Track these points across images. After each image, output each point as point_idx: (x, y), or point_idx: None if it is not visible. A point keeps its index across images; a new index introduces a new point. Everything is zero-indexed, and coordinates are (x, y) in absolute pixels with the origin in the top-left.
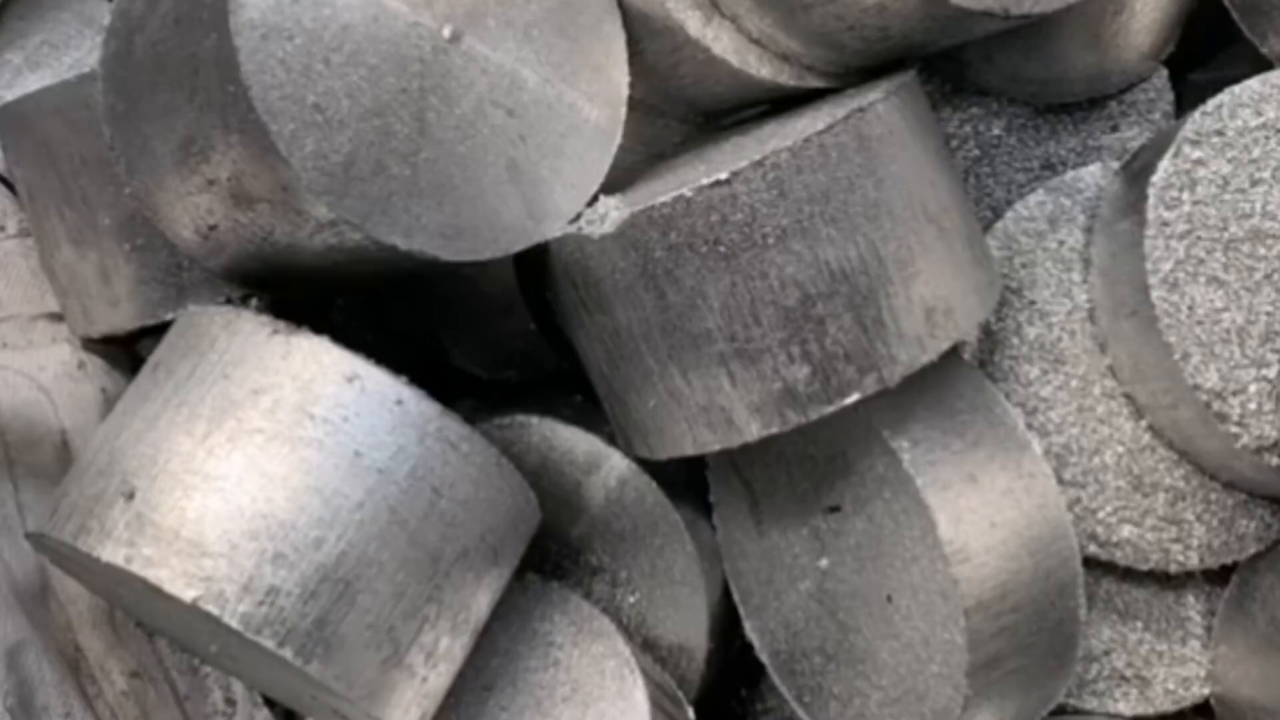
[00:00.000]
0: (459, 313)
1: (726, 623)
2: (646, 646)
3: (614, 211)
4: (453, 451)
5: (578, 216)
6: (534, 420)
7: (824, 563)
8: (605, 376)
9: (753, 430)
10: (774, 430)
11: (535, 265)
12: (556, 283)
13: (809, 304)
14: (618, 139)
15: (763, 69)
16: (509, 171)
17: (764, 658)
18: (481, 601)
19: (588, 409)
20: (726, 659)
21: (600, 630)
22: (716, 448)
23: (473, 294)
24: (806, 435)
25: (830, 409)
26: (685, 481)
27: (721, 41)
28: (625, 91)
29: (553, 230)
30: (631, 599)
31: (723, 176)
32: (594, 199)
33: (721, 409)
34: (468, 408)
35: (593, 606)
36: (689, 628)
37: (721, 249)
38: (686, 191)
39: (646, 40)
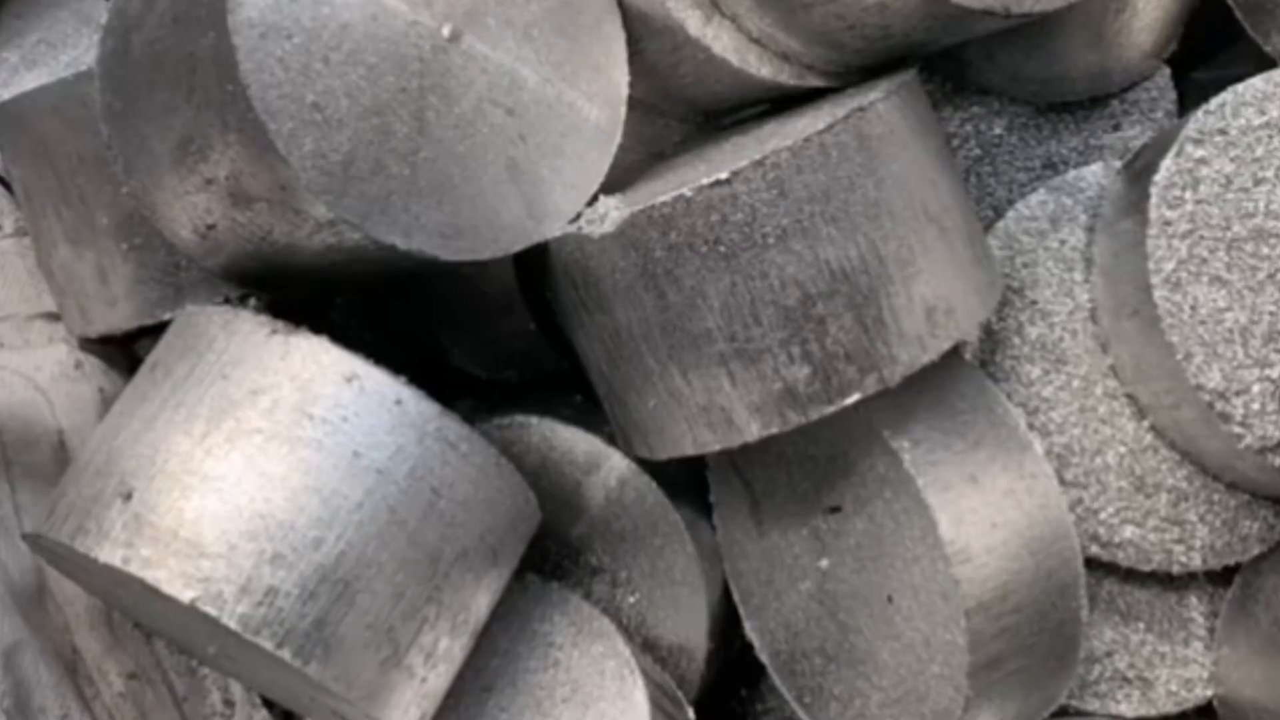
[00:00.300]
0: (458, 312)
1: (726, 623)
2: (646, 647)
3: (614, 211)
4: (452, 452)
5: (577, 216)
6: (534, 420)
7: (824, 563)
8: (605, 376)
9: (753, 430)
10: (774, 430)
11: (535, 265)
12: (556, 282)
13: (809, 304)
14: (618, 139)
15: (763, 68)
16: (509, 171)
17: (764, 658)
18: (481, 602)
19: (588, 409)
20: (726, 659)
21: (600, 631)
22: (717, 448)
23: (472, 294)
24: (807, 435)
25: (831, 409)
26: (685, 481)
27: (721, 41)
28: (625, 91)
29: (552, 230)
30: (631, 599)
31: (723, 176)
32: (594, 199)
33: (721, 409)
34: (467, 408)
35: (592, 607)
36: (689, 628)
37: (721, 249)
38: (686, 191)
39: (646, 39)
